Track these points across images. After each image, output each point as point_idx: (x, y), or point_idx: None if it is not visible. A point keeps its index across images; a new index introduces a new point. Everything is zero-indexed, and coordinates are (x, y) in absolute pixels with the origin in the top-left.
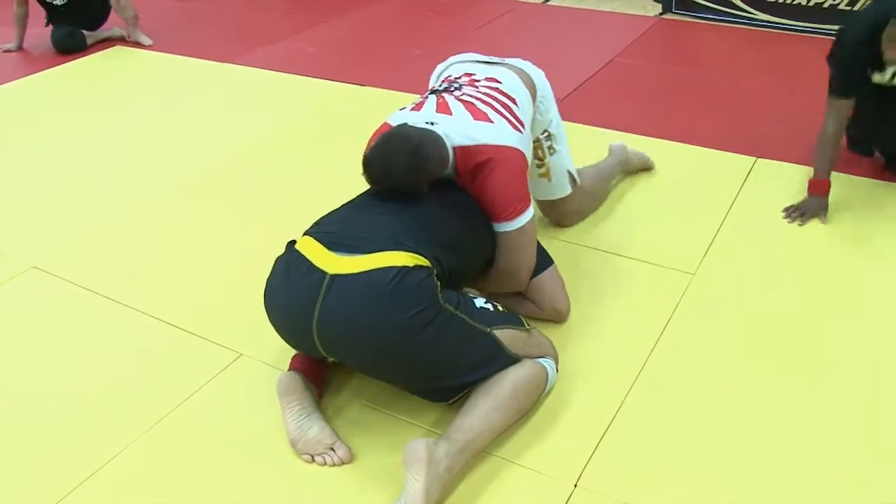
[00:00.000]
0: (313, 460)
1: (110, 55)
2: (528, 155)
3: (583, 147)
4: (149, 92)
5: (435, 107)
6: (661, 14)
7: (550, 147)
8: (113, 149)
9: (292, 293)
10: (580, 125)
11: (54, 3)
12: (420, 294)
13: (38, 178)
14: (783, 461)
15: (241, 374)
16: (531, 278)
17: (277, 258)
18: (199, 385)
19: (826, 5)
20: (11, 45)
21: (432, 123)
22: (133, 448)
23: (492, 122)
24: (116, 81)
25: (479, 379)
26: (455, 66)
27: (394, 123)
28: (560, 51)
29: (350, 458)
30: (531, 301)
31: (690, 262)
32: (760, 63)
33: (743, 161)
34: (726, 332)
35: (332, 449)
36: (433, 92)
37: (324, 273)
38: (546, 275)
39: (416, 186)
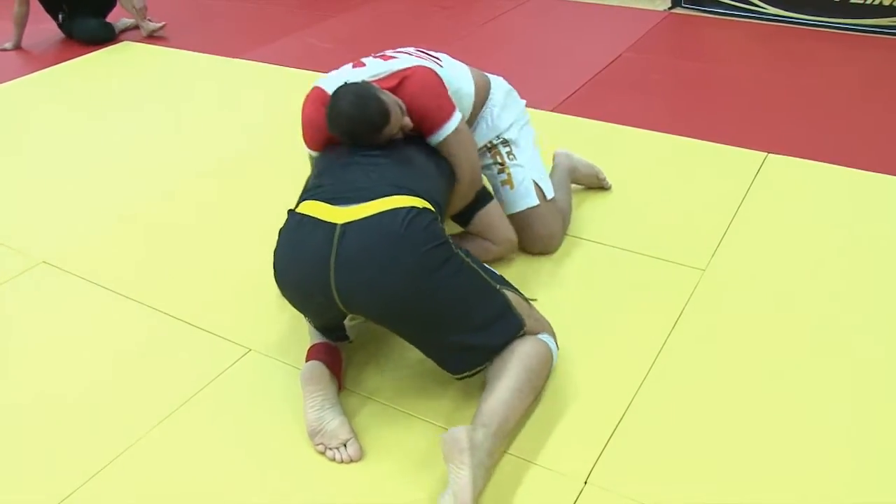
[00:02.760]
0: (324, 452)
1: (117, 50)
2: (453, 96)
3: (591, 143)
4: (157, 87)
5: (351, 66)
6: (670, 8)
7: (510, 153)
8: (122, 144)
9: (304, 252)
10: (589, 120)
11: None
12: (432, 234)
13: (47, 173)
14: (796, 459)
15: (249, 370)
16: (480, 210)
17: (280, 229)
18: (208, 380)
19: None
20: (9, 44)
21: (349, 80)
22: (142, 443)
23: (397, 58)
24: (125, 76)
25: (492, 345)
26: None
27: (317, 85)
28: (568, 46)
29: (359, 457)
30: (484, 240)
31: (701, 258)
32: (770, 57)
33: (754, 156)
34: (737, 328)
35: (345, 445)
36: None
37: (333, 224)
38: (492, 205)
39: (389, 130)
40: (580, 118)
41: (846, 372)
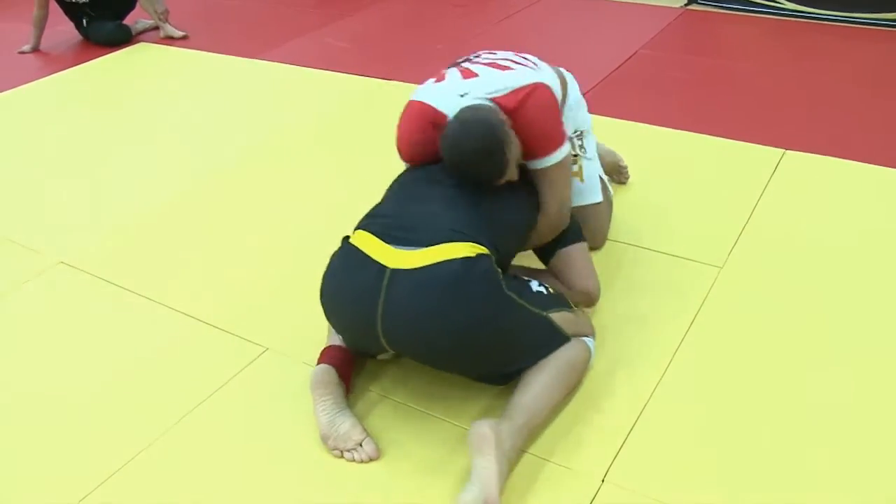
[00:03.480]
0: (342, 456)
1: (135, 51)
2: (557, 93)
3: (607, 140)
4: (174, 88)
5: (460, 75)
6: (686, 5)
7: (582, 147)
8: (139, 145)
9: (352, 288)
10: (605, 118)
11: (77, 1)
12: (484, 286)
13: (65, 173)
14: (815, 458)
15: (267, 369)
16: (562, 249)
17: (332, 254)
18: (225, 379)
19: None
20: (28, 46)
21: (463, 95)
22: (160, 442)
23: (514, 69)
24: (142, 78)
25: (536, 363)
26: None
27: (421, 100)
28: (584, 43)
29: (377, 455)
30: (559, 281)
31: (718, 256)
32: (787, 53)
33: (771, 153)
34: (755, 325)
35: (361, 445)
36: (452, 65)
37: (383, 266)
38: (577, 248)
39: (492, 182)
40: (596, 115)
41: (865, 371)
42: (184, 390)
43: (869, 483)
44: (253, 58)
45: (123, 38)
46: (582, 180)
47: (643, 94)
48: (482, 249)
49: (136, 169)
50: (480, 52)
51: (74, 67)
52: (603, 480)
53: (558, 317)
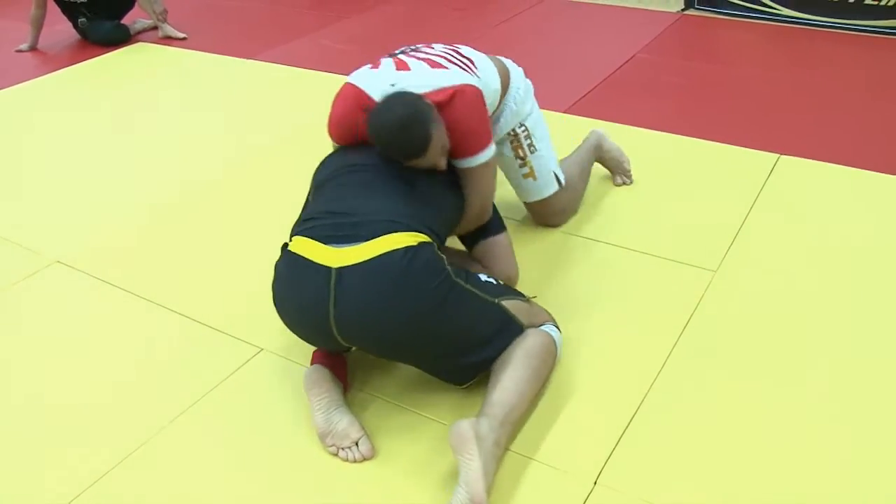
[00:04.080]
0: (337, 454)
1: (132, 51)
2: (488, 100)
3: None
4: (172, 88)
5: (394, 66)
6: (683, 10)
7: (531, 145)
8: (135, 145)
9: (301, 295)
10: (601, 122)
11: (75, 0)
12: (432, 271)
13: (61, 173)
14: (806, 462)
15: (261, 369)
16: (484, 239)
17: (276, 263)
18: (220, 379)
19: (851, 0)
20: (25, 45)
21: (393, 85)
22: (154, 441)
23: (447, 69)
24: (139, 78)
25: (495, 355)
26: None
27: (353, 83)
28: (582, 47)
29: (371, 455)
30: (483, 267)
31: (712, 260)
32: (783, 59)
33: (766, 158)
34: (748, 329)
35: (357, 444)
36: (389, 55)
37: (328, 269)
38: (500, 238)
39: (418, 162)
40: (593, 119)
41: (858, 375)
42: (178, 390)
43: (862, 485)
44: (251, 58)
45: (121, 38)
46: (535, 179)
47: (640, 99)
48: (423, 237)
49: (133, 168)
50: (419, 45)
51: (72, 67)
52: (595, 483)
53: (511, 304)
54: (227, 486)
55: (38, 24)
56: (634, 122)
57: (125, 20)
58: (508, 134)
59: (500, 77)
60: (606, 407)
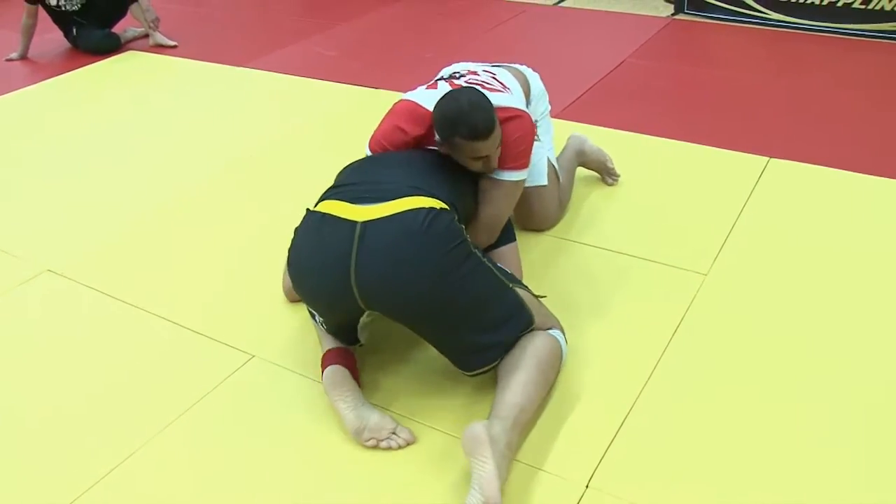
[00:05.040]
0: (378, 445)
1: (124, 59)
2: (536, 126)
3: None
4: (163, 96)
5: (447, 87)
6: (673, 15)
7: (536, 136)
8: (125, 153)
9: (324, 250)
10: (593, 126)
11: (67, 9)
12: (451, 234)
13: (52, 181)
14: (798, 464)
15: (253, 376)
16: (494, 248)
17: (297, 227)
18: (211, 386)
19: (840, 4)
20: (16, 54)
21: None
22: (146, 450)
23: (502, 93)
24: (129, 86)
25: (504, 342)
26: (457, 65)
27: (412, 99)
28: (572, 52)
29: (413, 439)
30: None
31: (703, 263)
32: (773, 63)
33: (756, 161)
34: (739, 333)
35: (395, 433)
36: (441, 79)
37: (354, 222)
38: (510, 248)
39: (491, 141)
40: (584, 124)
41: (848, 377)
42: (170, 397)
43: (854, 487)
44: (241, 66)
45: (112, 47)
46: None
47: (631, 103)
48: (443, 205)
49: (123, 176)
50: (465, 73)
51: (62, 75)
52: (587, 486)
53: (524, 294)
54: (220, 494)
55: (30, 33)
56: (625, 126)
57: (116, 28)
58: None
59: (521, 88)
60: (598, 410)
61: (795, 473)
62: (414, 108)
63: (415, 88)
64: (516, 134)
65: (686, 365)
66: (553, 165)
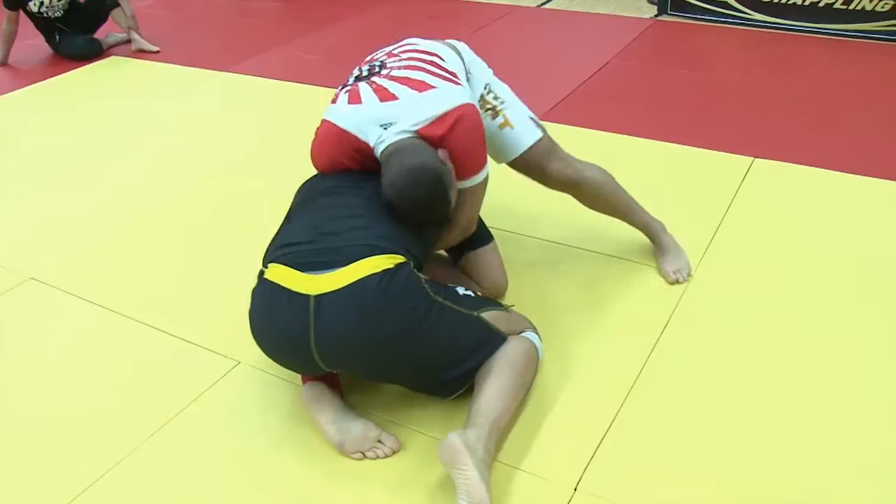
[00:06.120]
0: (364, 457)
1: (106, 65)
2: (476, 105)
3: (579, 151)
4: (146, 101)
5: (376, 98)
6: (656, 16)
7: (496, 97)
8: (108, 159)
9: (281, 325)
10: (577, 128)
11: (49, 15)
12: (410, 292)
13: (35, 188)
14: (783, 464)
15: (239, 382)
16: (473, 251)
17: (253, 291)
18: (197, 393)
19: (821, 4)
20: None
21: (385, 126)
22: (132, 457)
23: (435, 87)
24: (112, 92)
25: (477, 366)
26: (377, 53)
27: (338, 124)
28: (556, 54)
29: (399, 447)
30: (471, 279)
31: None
32: (756, 63)
33: (740, 161)
34: (725, 334)
35: (381, 440)
36: (359, 79)
37: (306, 296)
38: (488, 249)
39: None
40: (568, 126)
41: (834, 377)
42: (156, 405)
43: (846, 486)
44: (224, 70)
45: (94, 52)
46: (513, 127)
47: (614, 104)
48: (399, 259)
49: (106, 183)
50: (384, 59)
51: (44, 82)
52: (575, 489)
53: (490, 315)
54: (206, 501)
55: (10, 40)
56: (609, 127)
57: (98, 34)
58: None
59: (452, 50)
60: (585, 413)
61: (783, 475)
62: (347, 139)
63: (336, 98)
64: (466, 139)
65: (672, 366)
66: (534, 118)
